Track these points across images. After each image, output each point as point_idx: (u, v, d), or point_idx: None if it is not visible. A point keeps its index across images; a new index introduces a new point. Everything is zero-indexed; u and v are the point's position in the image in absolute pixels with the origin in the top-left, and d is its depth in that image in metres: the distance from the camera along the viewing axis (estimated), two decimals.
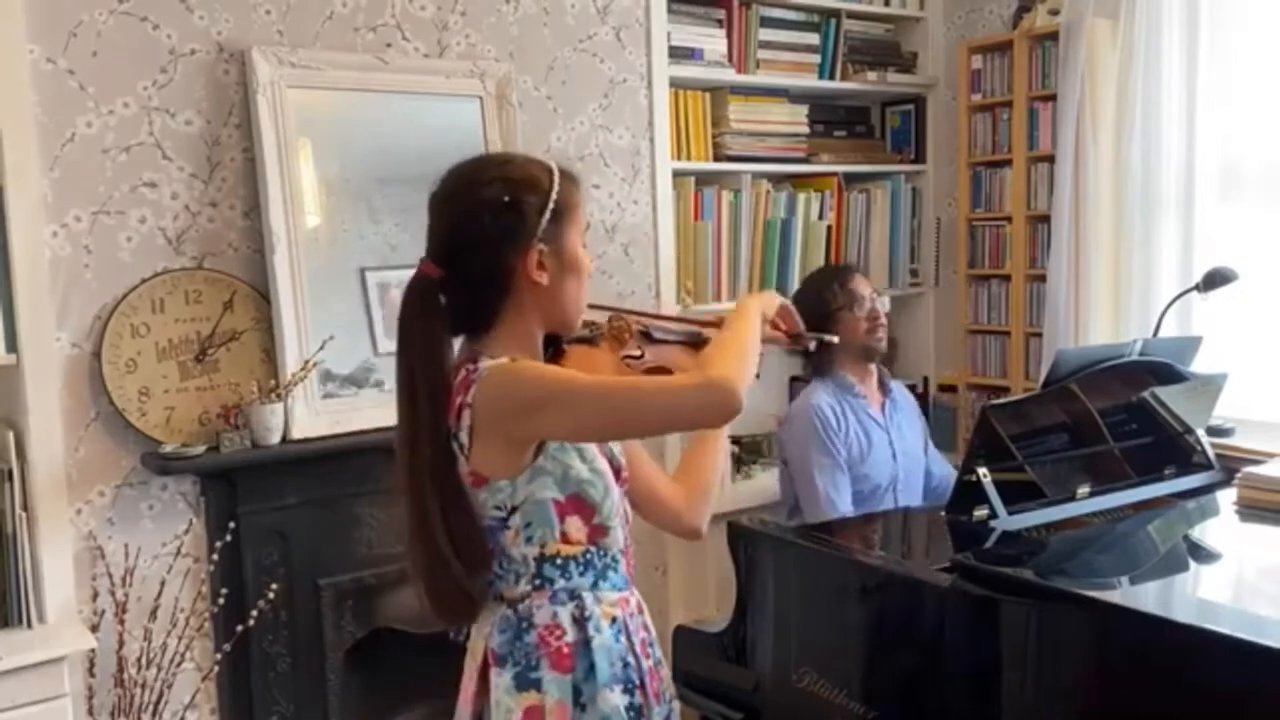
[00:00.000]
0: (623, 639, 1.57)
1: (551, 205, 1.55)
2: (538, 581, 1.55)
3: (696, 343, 1.78)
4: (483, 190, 1.54)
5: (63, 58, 2.48)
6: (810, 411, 2.82)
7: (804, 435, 2.82)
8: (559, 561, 1.55)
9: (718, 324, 1.69)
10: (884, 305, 2.96)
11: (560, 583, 1.55)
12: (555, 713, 1.51)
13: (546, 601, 1.54)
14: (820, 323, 2.82)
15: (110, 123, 2.54)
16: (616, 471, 1.62)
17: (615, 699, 1.53)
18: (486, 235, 1.53)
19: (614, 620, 1.57)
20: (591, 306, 1.71)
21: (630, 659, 1.57)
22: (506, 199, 1.53)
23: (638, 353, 1.73)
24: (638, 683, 1.57)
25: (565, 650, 1.53)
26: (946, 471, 2.99)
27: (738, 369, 1.47)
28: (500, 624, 1.56)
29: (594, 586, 1.57)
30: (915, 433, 3.01)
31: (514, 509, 1.52)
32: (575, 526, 1.55)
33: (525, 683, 1.52)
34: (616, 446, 1.64)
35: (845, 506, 2.75)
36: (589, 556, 1.57)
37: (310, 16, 2.78)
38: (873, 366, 2.97)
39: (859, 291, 2.91)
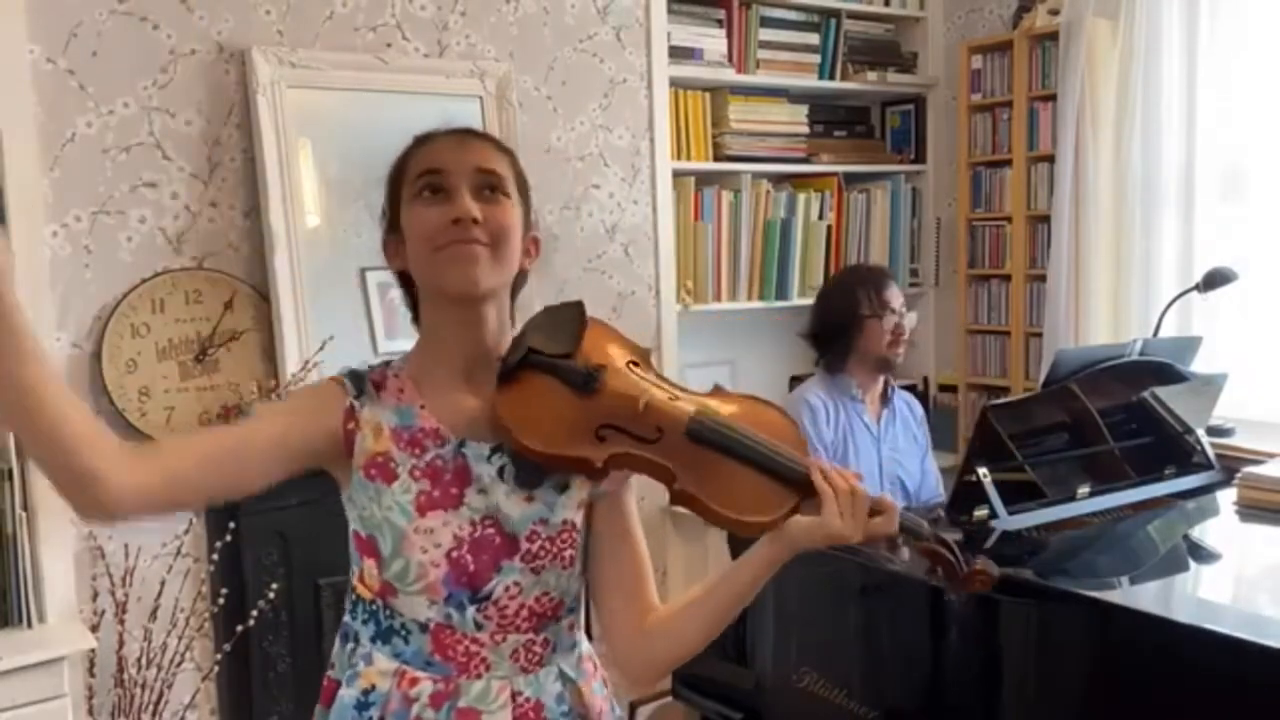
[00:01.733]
0: (370, 712, 1.32)
1: (387, 188, 1.39)
2: (346, 608, 1.41)
3: (793, 480, 1.29)
4: None
5: (63, 58, 2.48)
6: (799, 402, 2.83)
7: None
8: (354, 598, 1.38)
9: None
10: (910, 321, 2.88)
11: (349, 619, 1.39)
12: None
13: (340, 631, 1.42)
14: (844, 327, 2.82)
15: (110, 123, 2.54)
16: (508, 543, 1.31)
17: None
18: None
19: (371, 689, 1.33)
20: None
21: None
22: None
23: (649, 435, 1.30)
24: None
25: (326, 682, 1.40)
26: (934, 493, 2.95)
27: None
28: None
29: (373, 640, 1.35)
30: (914, 447, 2.95)
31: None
32: (369, 571, 1.33)
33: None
34: (516, 511, 1.32)
35: None
36: (375, 609, 1.34)
37: (310, 16, 2.78)
38: (880, 376, 2.95)
39: (891, 303, 2.83)
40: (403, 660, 1.33)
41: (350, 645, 1.38)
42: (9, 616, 2.38)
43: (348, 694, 1.35)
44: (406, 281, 1.40)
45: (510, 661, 1.33)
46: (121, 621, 2.53)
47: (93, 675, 2.50)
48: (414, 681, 1.32)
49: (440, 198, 1.32)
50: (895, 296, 2.86)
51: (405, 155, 1.39)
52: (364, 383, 1.36)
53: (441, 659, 1.32)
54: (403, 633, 1.32)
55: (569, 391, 1.33)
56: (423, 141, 1.40)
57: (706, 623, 1.39)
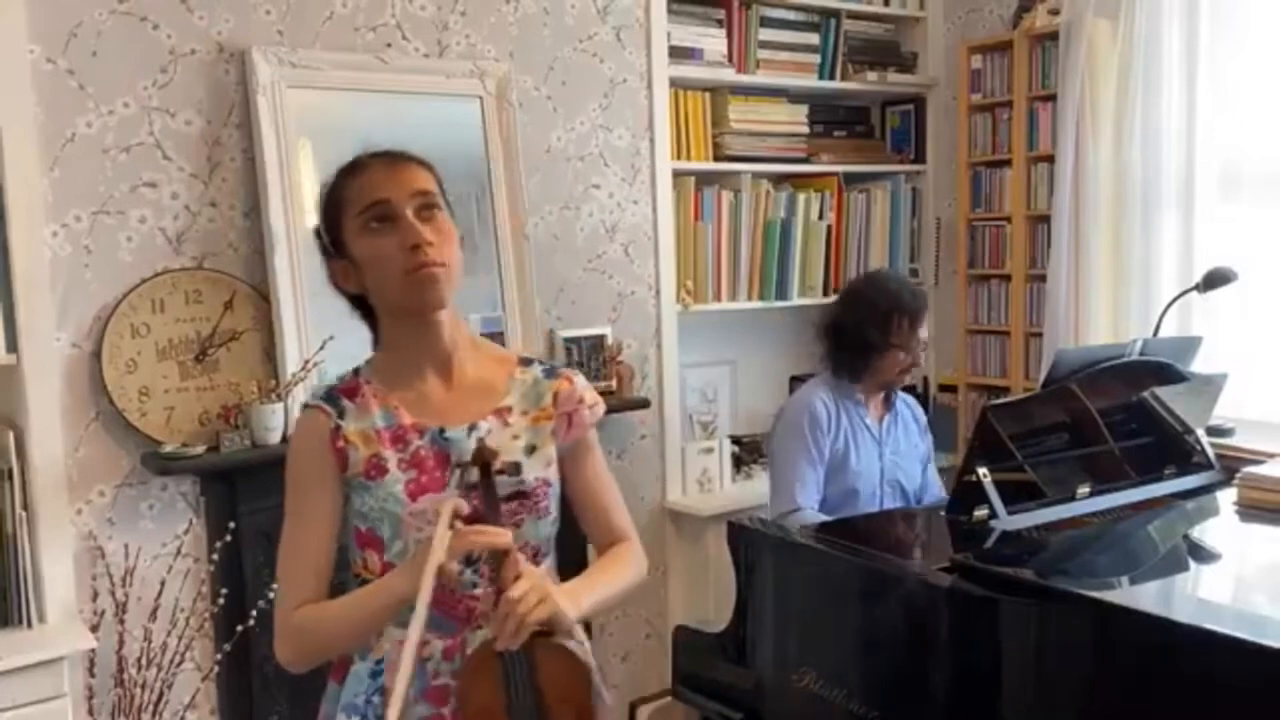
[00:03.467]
0: (381, 679, 1.50)
1: (321, 217, 1.53)
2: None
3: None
4: None
5: (63, 58, 2.48)
6: (804, 406, 2.80)
7: (789, 427, 2.80)
8: (359, 583, 1.54)
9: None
10: (924, 350, 2.83)
11: None
12: (322, 708, 1.59)
13: None
14: (866, 347, 2.76)
15: (110, 123, 2.54)
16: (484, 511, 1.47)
17: None
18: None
19: (383, 658, 1.51)
20: None
21: (377, 699, 1.50)
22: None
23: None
24: None
25: (336, 662, 1.57)
26: (937, 498, 2.94)
27: (305, 649, 1.51)
28: None
29: None
30: (915, 452, 2.94)
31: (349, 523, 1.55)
32: (369, 557, 1.53)
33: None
34: (538, 470, 1.54)
35: (806, 502, 2.72)
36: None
37: (310, 16, 2.78)
38: (882, 393, 2.92)
39: (921, 338, 2.77)
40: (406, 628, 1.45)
41: None
42: (9, 616, 2.39)
43: (361, 666, 1.52)
44: (358, 301, 1.55)
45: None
46: (121, 621, 2.53)
47: (93, 675, 2.50)
48: (425, 644, 1.46)
49: (389, 226, 1.46)
50: (924, 329, 2.79)
51: (338, 186, 1.52)
52: (339, 400, 1.52)
53: (446, 619, 1.49)
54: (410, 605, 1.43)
55: None
56: (353, 171, 1.52)
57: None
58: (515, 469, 1.49)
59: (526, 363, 1.63)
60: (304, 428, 1.53)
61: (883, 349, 2.76)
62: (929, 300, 2.93)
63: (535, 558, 1.55)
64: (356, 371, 1.56)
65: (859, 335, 2.78)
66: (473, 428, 1.52)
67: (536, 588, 1.41)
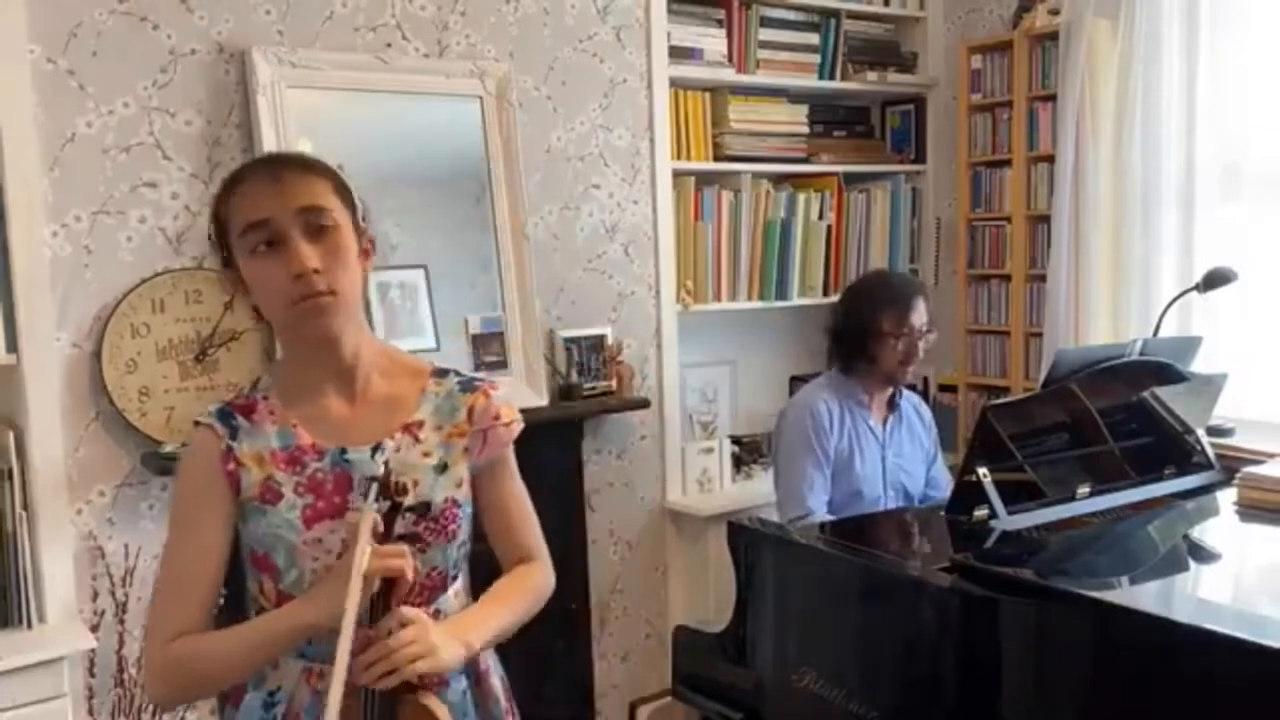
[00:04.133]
0: (275, 710, 1.42)
1: (211, 230, 1.42)
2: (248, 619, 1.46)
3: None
4: None
5: (63, 58, 2.48)
6: (805, 408, 2.80)
7: (793, 430, 2.80)
8: (256, 609, 1.46)
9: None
10: (927, 342, 2.81)
11: None
12: None
13: None
14: (862, 337, 2.78)
15: (110, 123, 2.54)
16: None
17: None
18: None
19: (276, 689, 1.42)
20: None
21: None
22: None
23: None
24: None
25: (230, 689, 1.47)
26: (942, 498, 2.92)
27: (180, 685, 1.40)
28: None
29: None
30: (918, 453, 2.94)
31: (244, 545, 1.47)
32: (266, 584, 1.43)
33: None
34: (446, 490, 1.45)
35: (817, 506, 2.72)
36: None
37: (310, 16, 2.78)
38: (887, 388, 2.92)
39: (914, 324, 2.77)
40: (309, 658, 1.40)
41: None
42: (9, 616, 2.39)
43: (253, 697, 1.43)
44: (257, 309, 1.43)
45: None
46: (121, 621, 2.53)
47: (93, 675, 2.50)
48: (321, 675, 1.38)
49: (274, 250, 1.35)
50: (920, 315, 2.78)
51: (221, 200, 1.40)
52: (233, 419, 1.42)
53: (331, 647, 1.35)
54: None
55: None
56: (235, 184, 1.40)
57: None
58: (425, 509, 1.40)
59: (442, 374, 1.52)
60: (193, 447, 1.42)
61: (876, 338, 2.76)
62: (925, 290, 2.90)
63: (443, 583, 1.48)
64: (256, 385, 1.46)
65: (854, 327, 2.80)
66: (377, 447, 1.41)
67: (422, 639, 1.31)
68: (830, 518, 2.70)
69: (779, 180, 3.72)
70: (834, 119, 3.87)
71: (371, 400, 1.46)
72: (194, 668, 1.37)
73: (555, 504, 1.77)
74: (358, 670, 1.29)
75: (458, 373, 1.54)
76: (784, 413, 2.90)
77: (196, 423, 1.42)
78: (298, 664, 1.41)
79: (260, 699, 1.43)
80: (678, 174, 3.44)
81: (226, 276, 1.43)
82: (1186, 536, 2.39)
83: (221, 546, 1.40)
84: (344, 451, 1.41)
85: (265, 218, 1.34)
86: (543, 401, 3.06)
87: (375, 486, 1.34)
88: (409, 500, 1.37)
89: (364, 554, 1.28)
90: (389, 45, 2.89)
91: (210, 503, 1.39)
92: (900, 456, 2.87)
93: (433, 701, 1.37)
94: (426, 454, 1.46)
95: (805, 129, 3.72)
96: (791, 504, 2.74)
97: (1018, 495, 2.28)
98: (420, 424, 1.47)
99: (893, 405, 2.90)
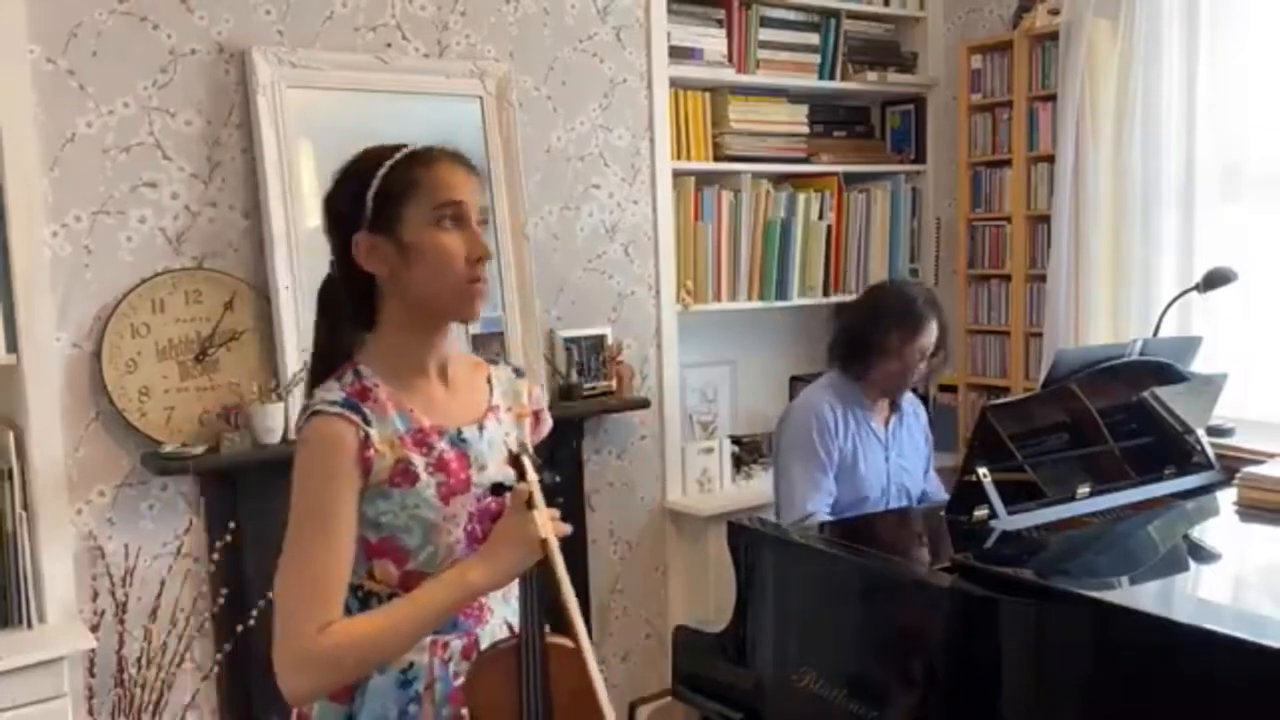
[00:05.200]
0: (414, 687, 1.46)
1: (374, 189, 1.43)
2: (347, 609, 1.45)
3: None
4: (329, 190, 1.51)
5: (63, 58, 2.48)
6: (809, 411, 2.78)
7: (796, 432, 2.78)
8: (360, 595, 1.47)
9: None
10: (930, 365, 2.79)
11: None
12: None
13: None
14: (865, 352, 2.75)
15: (110, 123, 2.55)
16: (499, 503, 1.48)
17: None
18: (327, 228, 1.49)
19: (409, 666, 1.46)
20: None
21: (414, 708, 1.46)
22: (330, 191, 1.49)
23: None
24: None
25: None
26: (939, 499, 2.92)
27: (338, 672, 1.40)
28: None
29: None
30: (918, 454, 2.93)
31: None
32: (383, 569, 1.46)
33: None
34: (501, 475, 1.51)
35: (819, 509, 2.70)
36: (394, 598, 1.46)
37: (310, 16, 2.78)
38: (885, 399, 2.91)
39: (919, 348, 2.73)
40: (435, 631, 1.47)
41: None
42: (9, 616, 2.39)
43: (383, 679, 1.46)
44: (356, 276, 1.45)
45: (501, 600, 1.54)
46: (121, 621, 2.53)
47: (93, 675, 2.50)
48: (444, 646, 1.48)
49: (457, 229, 1.44)
50: (928, 338, 2.74)
51: (407, 168, 1.44)
52: (360, 406, 1.43)
53: (463, 617, 1.50)
54: None
55: None
56: (426, 160, 1.45)
57: None
58: (553, 479, 1.49)
59: (491, 362, 1.65)
60: (328, 439, 1.41)
61: (877, 351, 2.75)
62: (942, 313, 2.82)
63: None
64: (357, 373, 1.46)
65: (859, 334, 2.79)
66: (482, 427, 1.52)
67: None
68: (830, 517, 2.69)
69: (779, 180, 3.72)
70: (834, 119, 3.87)
71: (458, 384, 1.55)
72: (359, 651, 1.39)
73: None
74: (514, 635, 1.47)
75: (496, 361, 1.68)
76: (787, 415, 2.88)
77: (320, 413, 1.41)
78: (424, 638, 1.46)
79: (394, 679, 1.46)
80: (678, 174, 3.44)
81: (366, 240, 1.43)
82: (1186, 536, 2.39)
83: (355, 538, 1.43)
84: (460, 432, 1.50)
85: (460, 200, 1.44)
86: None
87: (529, 459, 1.46)
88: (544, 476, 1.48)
89: (545, 519, 1.39)
90: (389, 45, 2.89)
91: (348, 494, 1.41)
92: (902, 458, 2.87)
93: (576, 643, 1.47)
94: (507, 434, 1.57)
95: (805, 129, 3.72)
96: (792, 508, 2.72)
97: (1018, 495, 2.28)
98: (496, 407, 1.58)
99: (894, 406, 2.89)
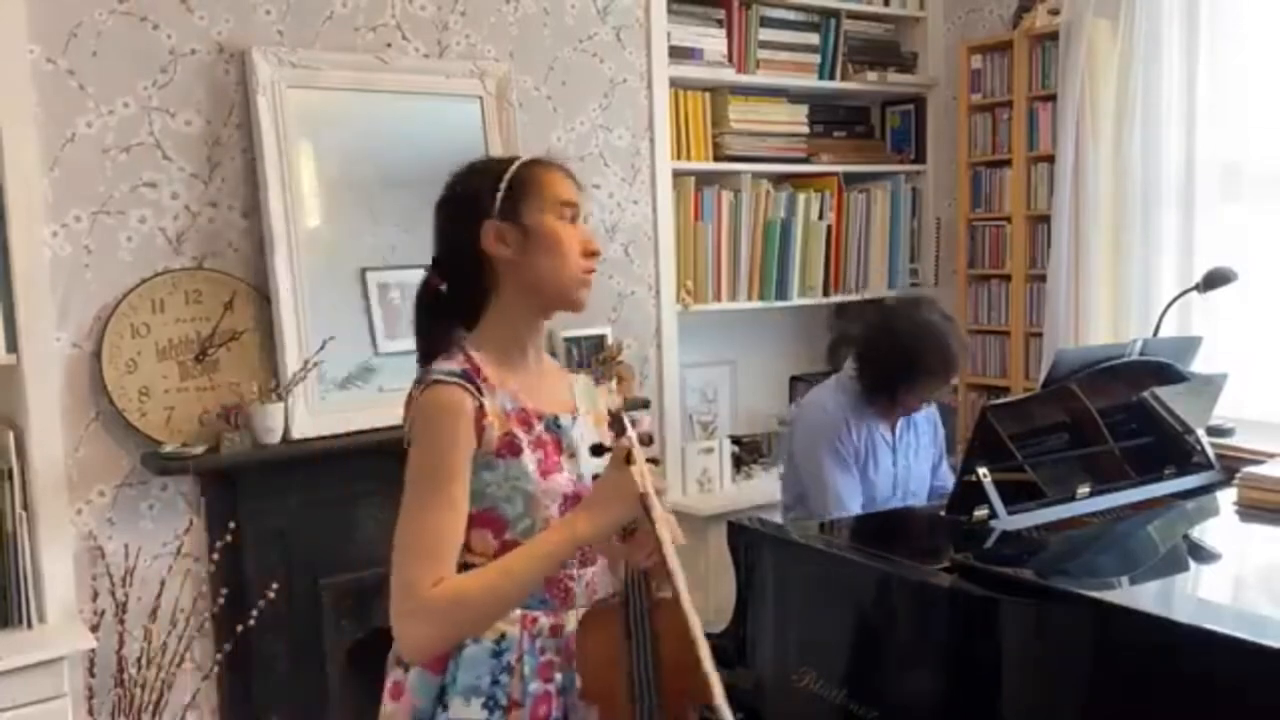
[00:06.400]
0: (506, 657, 1.53)
1: (506, 182, 1.56)
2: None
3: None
4: (450, 187, 1.62)
5: (63, 58, 2.48)
6: (824, 411, 2.77)
7: (816, 434, 2.74)
8: (459, 567, 1.49)
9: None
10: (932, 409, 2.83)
11: None
12: (406, 699, 1.55)
13: None
14: (894, 383, 2.69)
15: (110, 123, 2.55)
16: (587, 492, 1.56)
17: (469, 712, 1.52)
18: (450, 223, 1.60)
19: (501, 637, 1.53)
20: None
21: (505, 678, 1.53)
22: (459, 188, 1.61)
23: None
24: (505, 703, 1.53)
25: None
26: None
27: (457, 622, 1.46)
28: None
29: None
30: (926, 455, 2.91)
31: None
32: (481, 539, 1.52)
33: (403, 662, 1.56)
34: (588, 466, 1.58)
35: (856, 509, 2.71)
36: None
37: (310, 16, 2.78)
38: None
39: (937, 390, 2.74)
40: (523, 606, 1.53)
41: None
42: (9, 616, 2.39)
43: (477, 648, 1.52)
44: (476, 263, 1.56)
45: (585, 591, 1.60)
46: (121, 621, 2.53)
47: (93, 675, 2.50)
48: (534, 620, 1.55)
49: (571, 224, 1.58)
50: (944, 385, 2.78)
51: (535, 171, 1.59)
52: (474, 380, 1.52)
53: (550, 595, 1.56)
54: None
55: None
56: (545, 165, 1.61)
57: None
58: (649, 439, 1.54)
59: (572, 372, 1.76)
60: (450, 404, 1.48)
61: (907, 390, 2.70)
62: (965, 347, 2.80)
63: (584, 557, 1.60)
64: (465, 354, 1.55)
65: (889, 378, 2.70)
66: (574, 418, 1.61)
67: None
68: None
69: (779, 180, 3.72)
70: (834, 119, 3.87)
71: (547, 375, 1.66)
72: (476, 598, 1.45)
73: None
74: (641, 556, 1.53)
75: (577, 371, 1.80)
76: (800, 416, 2.85)
77: (438, 380, 1.49)
78: (515, 611, 1.52)
79: (487, 649, 1.53)
80: (678, 174, 3.44)
81: (496, 226, 1.54)
82: (1186, 536, 2.39)
83: (467, 501, 1.49)
84: (557, 418, 1.58)
85: (577, 202, 1.60)
86: None
87: (627, 418, 1.51)
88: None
89: (642, 473, 1.45)
90: (389, 45, 2.89)
91: (464, 458, 1.48)
92: (909, 459, 2.87)
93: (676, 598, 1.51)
94: (582, 436, 1.62)
95: (805, 129, 3.72)
96: (833, 508, 2.68)
97: (1018, 495, 2.28)
98: (577, 409, 1.65)
99: None
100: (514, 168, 1.58)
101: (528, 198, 1.56)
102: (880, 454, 2.80)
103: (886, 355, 2.69)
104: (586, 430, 1.64)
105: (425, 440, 1.48)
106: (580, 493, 1.57)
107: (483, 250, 1.55)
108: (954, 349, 2.70)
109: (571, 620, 1.57)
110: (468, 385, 1.50)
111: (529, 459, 1.53)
